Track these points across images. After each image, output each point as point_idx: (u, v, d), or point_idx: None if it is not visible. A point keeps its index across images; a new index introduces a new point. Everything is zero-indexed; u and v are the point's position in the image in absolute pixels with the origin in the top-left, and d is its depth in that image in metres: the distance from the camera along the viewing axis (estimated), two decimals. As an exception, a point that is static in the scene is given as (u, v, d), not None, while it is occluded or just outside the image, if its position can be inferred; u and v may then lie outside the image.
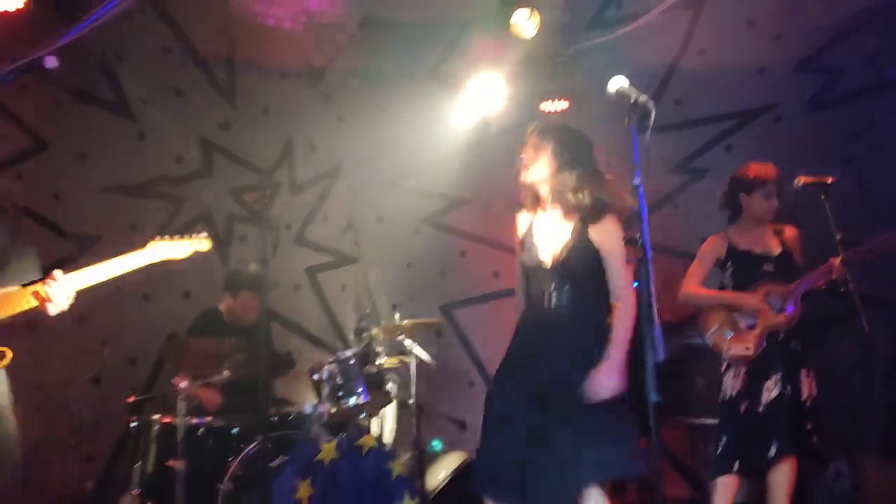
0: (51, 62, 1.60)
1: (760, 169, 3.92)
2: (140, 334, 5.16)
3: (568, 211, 3.07)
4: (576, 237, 3.06)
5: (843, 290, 3.49)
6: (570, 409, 2.88)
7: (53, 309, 2.35)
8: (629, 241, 2.30)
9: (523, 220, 3.24)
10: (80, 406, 4.46)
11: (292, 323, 5.64)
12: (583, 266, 3.05)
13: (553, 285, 3.06)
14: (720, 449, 3.75)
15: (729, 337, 3.81)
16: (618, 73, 2.54)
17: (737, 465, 3.69)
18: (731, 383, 3.77)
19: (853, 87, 5.34)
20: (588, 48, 5.38)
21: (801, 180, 3.72)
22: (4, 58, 1.76)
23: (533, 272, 3.14)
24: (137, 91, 5.38)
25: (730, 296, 3.87)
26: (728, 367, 3.81)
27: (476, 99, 5.35)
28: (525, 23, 5.07)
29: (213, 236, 5.47)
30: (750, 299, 3.78)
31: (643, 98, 2.38)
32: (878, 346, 3.40)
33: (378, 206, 5.79)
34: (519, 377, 3.04)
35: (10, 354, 2.12)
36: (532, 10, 5.07)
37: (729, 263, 3.94)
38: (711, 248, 3.99)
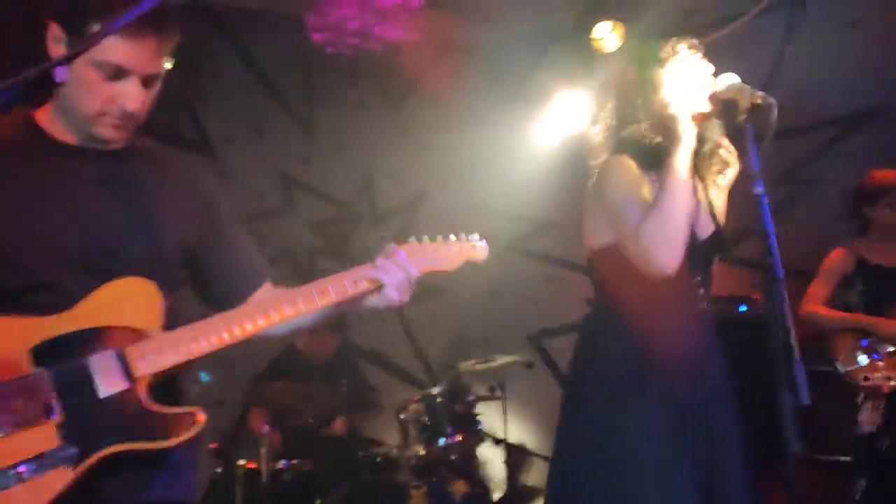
0: (61, 75, 1.42)
1: (884, 176, 3.54)
2: (226, 374, 5.07)
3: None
4: (715, 206, 2.30)
5: None
6: (736, 449, 2.12)
7: (393, 295, 1.68)
8: (753, 263, 1.98)
9: (629, 175, 2.18)
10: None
11: (378, 357, 5.48)
12: (720, 245, 2.28)
13: (700, 275, 2.19)
14: (859, 494, 3.33)
15: (864, 364, 3.40)
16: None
17: (880, 511, 3.27)
18: (868, 417, 3.35)
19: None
20: (677, 58, 5.07)
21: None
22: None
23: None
24: (219, 129, 5.40)
25: (864, 320, 3.44)
26: (864, 398, 3.39)
27: (560, 117, 5.12)
28: (607, 36, 4.84)
29: (296, 272, 5.55)
30: (890, 328, 3.35)
31: (760, 94, 2.04)
32: None
33: (462, 234, 5.60)
34: (676, 409, 2.07)
35: (201, 419, 1.52)
36: (614, 23, 4.83)
37: (858, 280, 3.54)
38: (837, 263, 3.60)
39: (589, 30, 4.84)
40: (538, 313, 5.63)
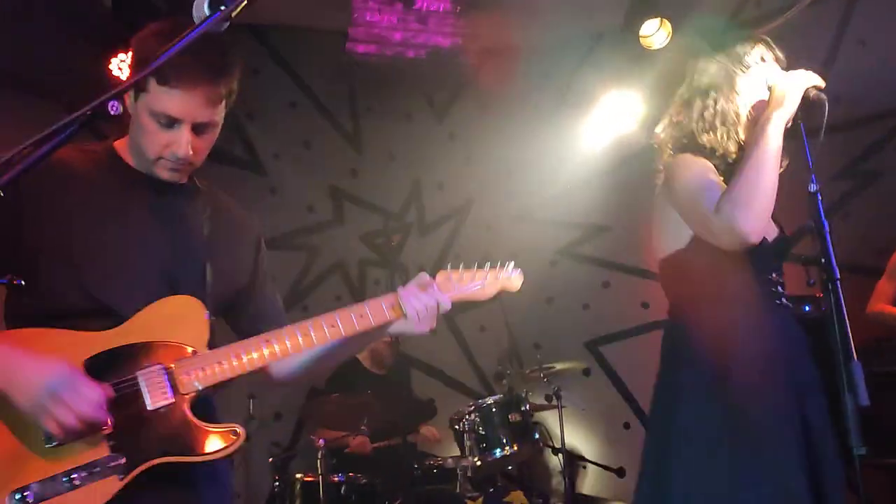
0: (115, 108, 1.45)
1: None
2: (284, 388, 5.12)
3: None
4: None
5: None
6: (834, 447, 1.97)
7: (413, 324, 1.73)
8: (808, 261, 1.91)
9: (701, 165, 2.09)
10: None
11: (431, 368, 5.46)
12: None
13: (778, 271, 2.12)
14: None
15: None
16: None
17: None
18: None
19: None
20: (728, 52, 4.93)
21: None
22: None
23: (750, 252, 2.02)
24: (268, 146, 5.48)
25: None
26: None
27: (609, 119, 5.04)
28: (655, 33, 4.73)
29: (348, 284, 5.58)
30: None
31: (813, 92, 2.00)
32: None
33: (512, 240, 5.55)
34: (771, 408, 1.94)
35: (241, 433, 1.60)
36: (662, 20, 4.73)
37: (927, 277, 3.39)
38: None
39: (636, 28, 4.74)
40: (591, 318, 5.53)
